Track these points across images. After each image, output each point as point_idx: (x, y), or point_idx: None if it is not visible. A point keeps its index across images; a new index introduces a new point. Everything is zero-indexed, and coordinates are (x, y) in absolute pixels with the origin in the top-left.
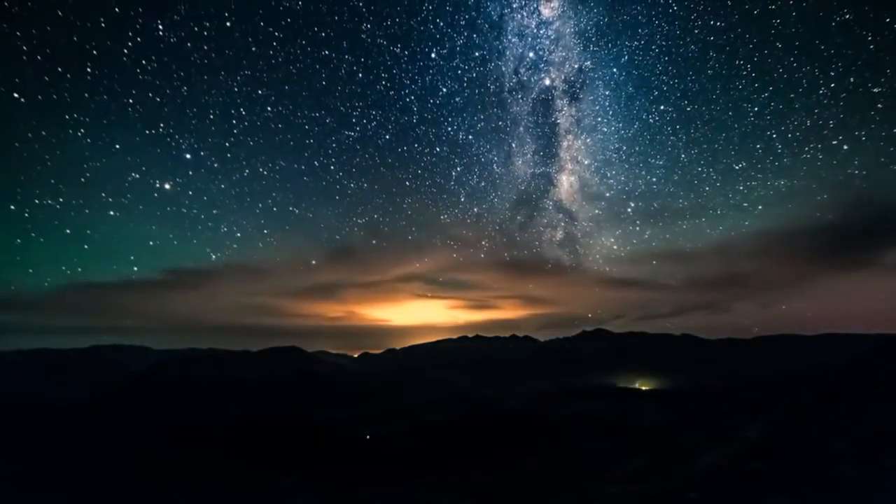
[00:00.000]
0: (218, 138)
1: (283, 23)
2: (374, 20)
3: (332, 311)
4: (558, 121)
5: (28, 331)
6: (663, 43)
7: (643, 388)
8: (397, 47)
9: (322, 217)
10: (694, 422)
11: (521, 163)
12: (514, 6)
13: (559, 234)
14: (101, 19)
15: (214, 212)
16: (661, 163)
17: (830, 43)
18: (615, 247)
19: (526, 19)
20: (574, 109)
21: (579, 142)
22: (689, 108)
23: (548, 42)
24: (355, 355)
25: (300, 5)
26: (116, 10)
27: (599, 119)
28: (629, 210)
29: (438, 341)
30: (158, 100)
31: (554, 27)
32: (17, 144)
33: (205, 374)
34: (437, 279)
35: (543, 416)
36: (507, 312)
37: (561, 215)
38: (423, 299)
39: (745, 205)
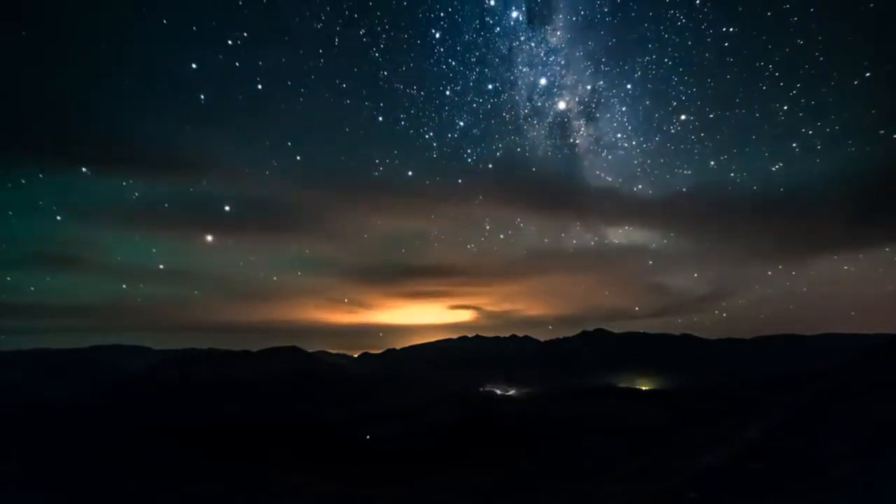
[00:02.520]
0: (252, 190)
1: (307, 79)
2: (390, 67)
3: (334, 312)
4: (577, 141)
5: (28, 331)
6: (676, 55)
7: (643, 388)
8: (413, 89)
9: (350, 256)
10: (694, 422)
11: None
12: (522, 39)
13: (589, 248)
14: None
15: (251, 258)
16: (689, 172)
17: (857, 33)
18: (650, 261)
19: (535, 49)
20: (592, 129)
21: (600, 159)
22: (711, 115)
23: (558, 68)
24: (355, 355)
25: (322, 63)
26: (167, 87)
27: (619, 135)
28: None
29: (438, 341)
30: (201, 161)
31: (563, 53)
32: (85, 212)
33: (205, 374)
34: (458, 298)
35: (543, 416)
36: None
37: (589, 235)
38: (436, 306)
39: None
